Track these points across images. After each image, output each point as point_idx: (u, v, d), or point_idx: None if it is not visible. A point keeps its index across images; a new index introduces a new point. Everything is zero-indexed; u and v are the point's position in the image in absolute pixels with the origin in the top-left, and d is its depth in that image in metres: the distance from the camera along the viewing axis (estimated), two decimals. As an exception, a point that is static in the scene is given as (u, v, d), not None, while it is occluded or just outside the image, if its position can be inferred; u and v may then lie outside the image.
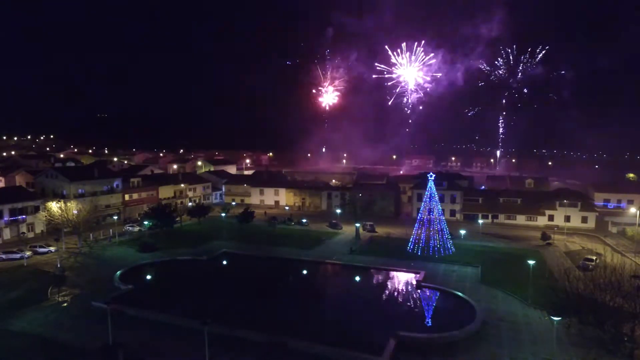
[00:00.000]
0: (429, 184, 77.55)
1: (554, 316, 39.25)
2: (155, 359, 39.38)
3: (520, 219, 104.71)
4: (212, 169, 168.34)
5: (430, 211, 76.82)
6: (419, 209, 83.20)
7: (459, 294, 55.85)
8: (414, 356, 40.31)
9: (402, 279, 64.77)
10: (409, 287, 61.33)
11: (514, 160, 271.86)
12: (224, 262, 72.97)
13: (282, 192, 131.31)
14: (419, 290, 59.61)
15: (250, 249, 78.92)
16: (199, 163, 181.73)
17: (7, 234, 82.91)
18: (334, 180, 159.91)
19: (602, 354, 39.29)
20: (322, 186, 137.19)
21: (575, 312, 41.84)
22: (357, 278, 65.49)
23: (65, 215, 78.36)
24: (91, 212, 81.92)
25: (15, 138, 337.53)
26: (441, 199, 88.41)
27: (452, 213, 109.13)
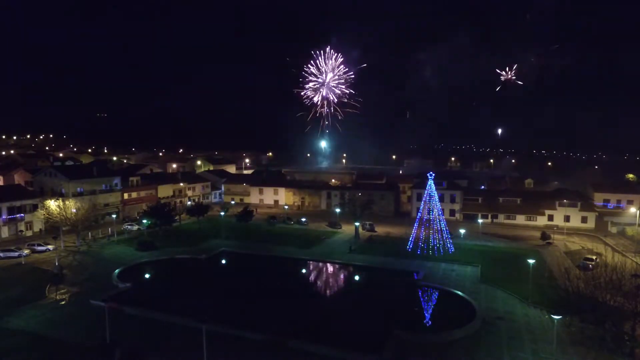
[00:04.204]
0: (429, 184, 77.39)
1: (554, 315, 39.06)
2: (153, 357, 39.14)
3: (520, 219, 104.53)
4: (211, 168, 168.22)
5: (429, 211, 76.66)
6: (418, 209, 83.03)
7: (459, 293, 55.65)
8: (413, 355, 40.11)
9: (401, 278, 64.42)
10: (409, 286, 61.05)
11: (513, 161, 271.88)
12: (223, 261, 72.77)
13: (282, 191, 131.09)
14: (418, 290, 59.40)
15: (249, 248, 78.72)
16: (199, 162, 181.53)
17: (5, 232, 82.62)
18: (333, 180, 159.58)
19: (602, 352, 39.12)
20: (322, 186, 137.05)
21: (576, 310, 41.67)
22: (357, 277, 65.28)
23: (64, 213, 78.19)
24: (90, 211, 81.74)
25: (15, 137, 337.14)
26: (441, 199, 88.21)
27: (452, 213, 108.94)
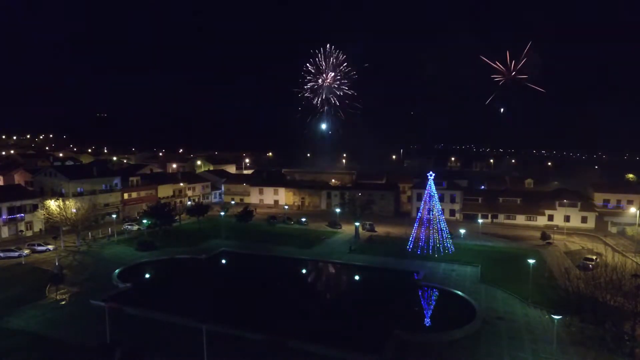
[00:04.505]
0: (429, 184, 77.37)
1: (554, 315, 39.07)
2: (153, 357, 39.14)
3: (520, 219, 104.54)
4: (211, 168, 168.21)
5: (429, 211, 76.67)
6: (418, 209, 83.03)
7: (459, 293, 55.68)
8: (413, 355, 40.11)
9: (401, 278, 64.42)
10: (409, 286, 61.06)
11: (513, 161, 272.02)
12: (223, 261, 72.78)
13: (282, 191, 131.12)
14: (418, 290, 59.41)
15: (249, 248, 78.72)
16: (199, 162, 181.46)
17: (5, 232, 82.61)
18: (333, 180, 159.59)
19: (602, 352, 39.11)
20: (322, 186, 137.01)
21: (576, 310, 41.68)
22: (357, 277, 65.27)
23: (64, 213, 78.19)
24: (90, 211, 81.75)
25: (15, 137, 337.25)
26: (441, 199, 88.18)
27: (452, 213, 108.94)
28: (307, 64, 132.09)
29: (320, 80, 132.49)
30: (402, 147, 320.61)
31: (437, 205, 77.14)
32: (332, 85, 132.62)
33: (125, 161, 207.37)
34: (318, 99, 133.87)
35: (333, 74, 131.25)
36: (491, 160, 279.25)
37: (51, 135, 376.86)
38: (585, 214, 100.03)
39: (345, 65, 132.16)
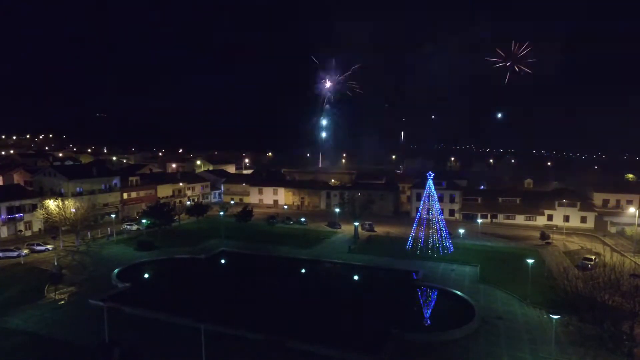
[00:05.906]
0: (428, 184, 77.39)
1: (553, 315, 39.07)
2: (152, 357, 39.13)
3: (519, 219, 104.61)
4: (211, 168, 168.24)
5: (429, 210, 76.69)
6: (418, 209, 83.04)
7: (458, 292, 55.70)
8: (413, 355, 40.12)
9: (400, 278, 64.45)
10: (408, 286, 61.05)
11: (513, 161, 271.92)
12: (222, 261, 72.74)
13: (281, 191, 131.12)
14: (417, 289, 59.41)
15: (248, 248, 78.71)
16: (198, 162, 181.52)
17: (4, 232, 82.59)
18: (333, 180, 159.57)
19: (601, 352, 39.08)
20: (321, 185, 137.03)
21: (574, 310, 41.60)
22: (356, 277, 65.23)
23: (63, 213, 78.13)
24: (89, 211, 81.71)
25: (15, 137, 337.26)
26: (440, 199, 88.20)
27: (451, 212, 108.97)
28: (313, 65, 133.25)
29: (323, 81, 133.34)
30: (402, 146, 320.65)
31: (437, 205, 77.19)
32: (333, 85, 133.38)
33: (124, 161, 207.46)
34: (322, 97, 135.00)
35: (335, 75, 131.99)
36: (491, 160, 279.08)
37: (51, 135, 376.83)
38: (584, 214, 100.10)
39: (344, 67, 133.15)
